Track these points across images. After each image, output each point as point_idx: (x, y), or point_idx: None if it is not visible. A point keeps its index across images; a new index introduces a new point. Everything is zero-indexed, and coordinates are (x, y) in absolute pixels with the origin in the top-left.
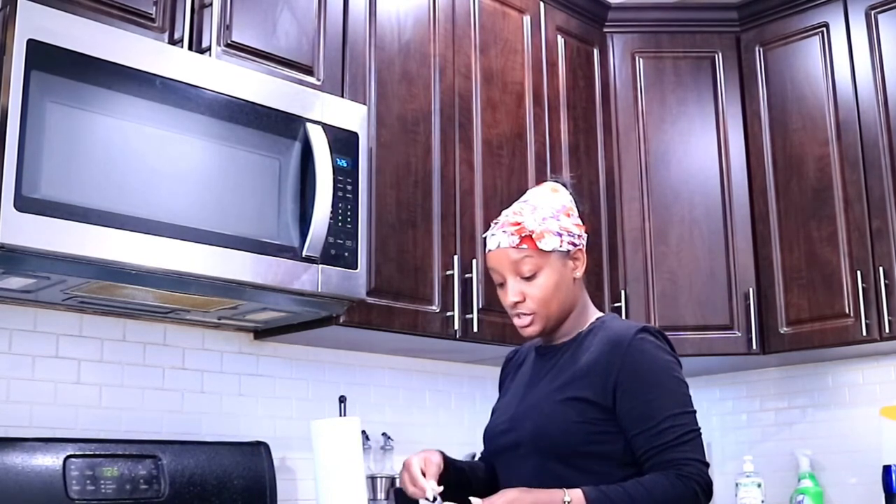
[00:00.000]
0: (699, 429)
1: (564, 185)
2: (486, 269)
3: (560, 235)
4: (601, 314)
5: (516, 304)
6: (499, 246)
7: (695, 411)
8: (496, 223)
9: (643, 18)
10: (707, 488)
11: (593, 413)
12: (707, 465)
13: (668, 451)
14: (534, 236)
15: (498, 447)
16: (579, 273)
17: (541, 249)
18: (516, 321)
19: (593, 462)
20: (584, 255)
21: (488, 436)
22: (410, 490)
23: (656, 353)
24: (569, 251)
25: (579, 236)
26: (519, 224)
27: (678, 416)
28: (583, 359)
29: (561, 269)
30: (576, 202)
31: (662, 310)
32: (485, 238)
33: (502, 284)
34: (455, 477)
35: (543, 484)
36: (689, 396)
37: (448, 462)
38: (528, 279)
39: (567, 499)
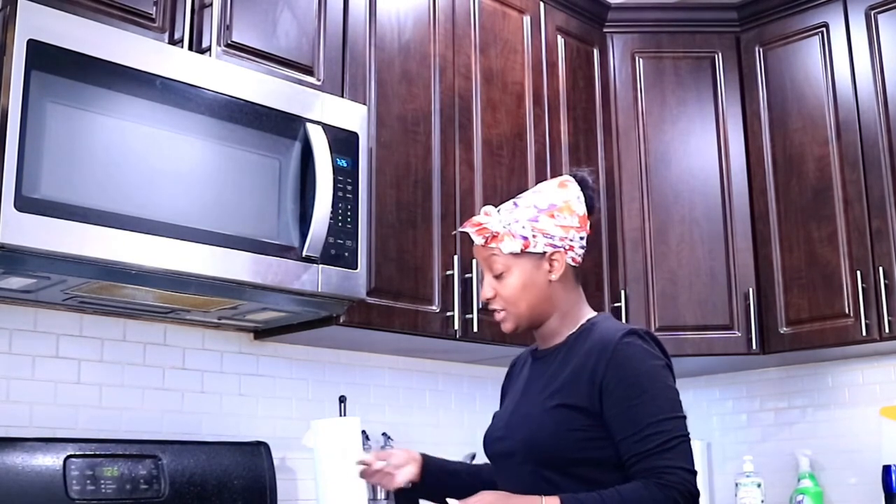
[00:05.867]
0: (686, 435)
1: (583, 180)
2: None
3: (526, 239)
4: (594, 315)
5: (488, 299)
6: (474, 242)
7: (683, 417)
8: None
9: (643, 18)
10: (690, 497)
11: (584, 420)
12: (693, 472)
13: (651, 458)
14: (496, 238)
15: (494, 453)
16: (555, 276)
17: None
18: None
19: (588, 469)
20: (565, 258)
21: (486, 441)
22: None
23: (642, 356)
24: (545, 253)
25: (563, 238)
26: (480, 225)
27: (663, 422)
28: (571, 364)
29: (531, 270)
30: (590, 198)
31: (662, 310)
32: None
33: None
34: (437, 482)
35: (540, 491)
36: (678, 401)
37: (427, 467)
38: (499, 277)
39: None
